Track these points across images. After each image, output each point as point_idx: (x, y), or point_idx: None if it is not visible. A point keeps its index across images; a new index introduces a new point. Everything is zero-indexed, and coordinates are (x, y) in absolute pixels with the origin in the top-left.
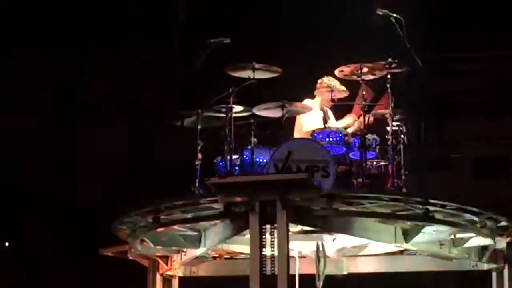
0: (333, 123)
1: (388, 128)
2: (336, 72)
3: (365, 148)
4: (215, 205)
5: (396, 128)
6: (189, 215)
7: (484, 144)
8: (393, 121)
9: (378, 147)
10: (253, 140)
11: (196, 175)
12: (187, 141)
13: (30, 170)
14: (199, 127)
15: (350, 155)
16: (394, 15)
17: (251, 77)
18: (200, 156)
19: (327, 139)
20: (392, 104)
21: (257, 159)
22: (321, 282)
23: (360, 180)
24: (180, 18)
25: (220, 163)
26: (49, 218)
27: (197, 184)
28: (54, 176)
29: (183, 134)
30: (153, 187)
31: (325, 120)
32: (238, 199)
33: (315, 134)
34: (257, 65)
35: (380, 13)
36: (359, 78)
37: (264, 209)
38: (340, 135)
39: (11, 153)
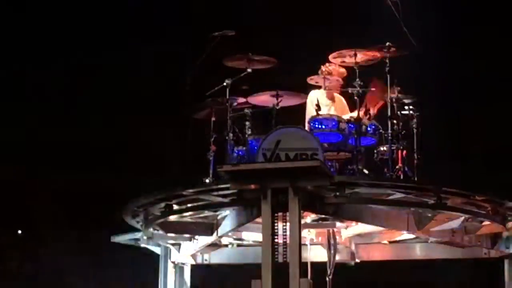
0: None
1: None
2: (331, 58)
3: (360, 135)
4: (227, 193)
5: (407, 112)
6: (201, 203)
7: (497, 133)
8: (404, 105)
9: (379, 132)
10: (249, 130)
11: (209, 166)
12: (201, 133)
13: (42, 159)
14: (212, 119)
15: (350, 141)
16: None
17: (247, 68)
18: (213, 147)
19: (321, 127)
20: (398, 88)
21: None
22: (332, 270)
23: (353, 166)
24: (193, 10)
25: (236, 153)
26: (61, 206)
27: (210, 175)
28: (67, 164)
29: (197, 126)
30: (167, 177)
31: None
32: (250, 186)
33: (310, 123)
34: (252, 56)
35: None
36: (354, 64)
37: (276, 196)
38: (334, 122)
39: (22, 141)
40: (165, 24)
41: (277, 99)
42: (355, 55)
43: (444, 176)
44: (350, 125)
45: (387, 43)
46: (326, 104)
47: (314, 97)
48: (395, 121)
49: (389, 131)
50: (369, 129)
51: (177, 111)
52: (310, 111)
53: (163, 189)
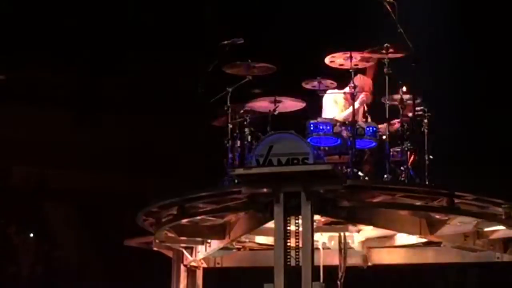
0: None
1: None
2: (327, 60)
3: (356, 137)
4: (239, 197)
5: (419, 113)
6: (214, 207)
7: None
8: (414, 106)
9: (380, 134)
10: (248, 136)
11: (225, 172)
12: (219, 139)
13: (54, 161)
14: (230, 126)
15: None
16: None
17: (247, 75)
18: (230, 154)
19: (316, 130)
20: (404, 89)
21: None
22: (343, 273)
23: (348, 169)
24: (207, 17)
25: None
26: (74, 210)
27: (226, 181)
28: (80, 167)
29: (216, 132)
30: (181, 181)
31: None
32: (263, 190)
33: (308, 126)
34: (252, 63)
35: None
36: (351, 67)
37: (289, 200)
38: (328, 126)
39: (35, 143)
40: (179, 31)
41: (275, 104)
42: (350, 57)
43: (456, 179)
44: (344, 128)
45: (385, 44)
46: (342, 106)
47: (330, 98)
48: (396, 122)
49: (387, 132)
50: (367, 131)
51: (193, 117)
52: (324, 113)
53: (176, 193)
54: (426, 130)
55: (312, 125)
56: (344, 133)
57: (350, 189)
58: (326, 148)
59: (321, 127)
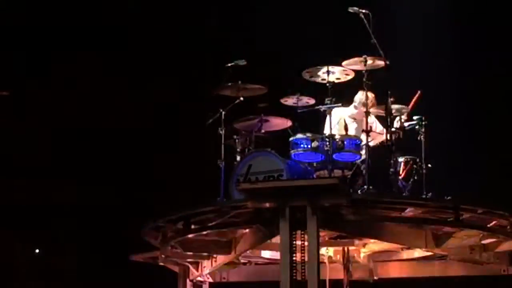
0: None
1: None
2: (304, 74)
3: (334, 151)
4: (245, 211)
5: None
6: (220, 221)
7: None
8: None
9: (363, 147)
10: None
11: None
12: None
13: (58, 176)
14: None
15: (342, 158)
16: (363, 11)
17: (238, 96)
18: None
19: (297, 147)
20: (392, 99)
21: None
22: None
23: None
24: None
25: None
26: (79, 224)
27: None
28: (85, 182)
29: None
30: (187, 197)
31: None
32: (268, 204)
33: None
34: (242, 85)
35: (351, 11)
36: (327, 83)
37: (294, 214)
38: (308, 141)
39: (38, 158)
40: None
41: (261, 124)
42: (328, 71)
43: (461, 191)
44: (322, 142)
45: (364, 56)
46: (347, 122)
47: (335, 115)
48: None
49: (364, 144)
50: (347, 144)
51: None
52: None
53: (182, 208)
54: (423, 139)
55: (293, 141)
56: (324, 148)
57: (356, 203)
58: (314, 164)
59: (300, 143)
